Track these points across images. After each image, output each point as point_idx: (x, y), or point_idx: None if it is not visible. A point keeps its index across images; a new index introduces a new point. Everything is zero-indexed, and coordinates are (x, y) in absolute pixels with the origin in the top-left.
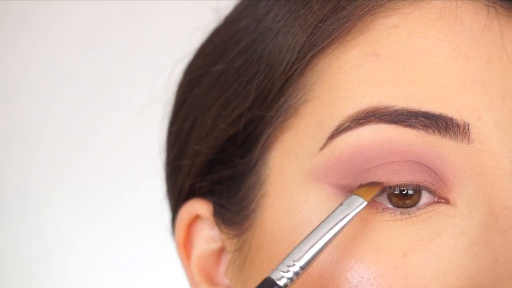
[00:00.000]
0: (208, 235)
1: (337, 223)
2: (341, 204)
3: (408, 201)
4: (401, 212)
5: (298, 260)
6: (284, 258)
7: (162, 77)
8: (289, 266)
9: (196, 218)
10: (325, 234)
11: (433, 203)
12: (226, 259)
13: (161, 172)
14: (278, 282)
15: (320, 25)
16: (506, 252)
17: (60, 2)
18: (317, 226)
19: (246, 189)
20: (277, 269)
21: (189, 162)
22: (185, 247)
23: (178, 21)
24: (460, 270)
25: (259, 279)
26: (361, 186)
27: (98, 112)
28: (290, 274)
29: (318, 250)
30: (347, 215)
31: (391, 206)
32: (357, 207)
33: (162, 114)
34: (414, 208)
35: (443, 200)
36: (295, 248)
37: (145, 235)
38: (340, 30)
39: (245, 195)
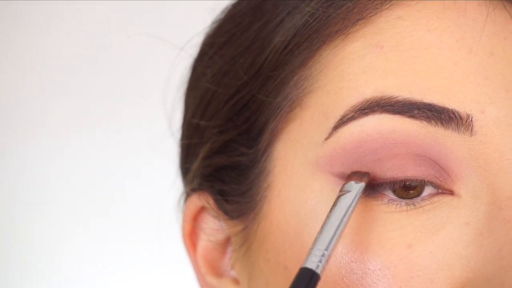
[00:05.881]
0: (214, 226)
1: (348, 208)
2: (341, 191)
3: (412, 192)
4: (406, 203)
5: (326, 248)
6: (312, 248)
7: (167, 78)
8: (321, 255)
9: (202, 209)
10: (342, 219)
11: (437, 194)
12: (231, 250)
13: (159, 170)
14: (316, 270)
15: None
16: (510, 241)
17: (61, 2)
18: (330, 213)
19: (252, 180)
20: (309, 259)
21: (198, 144)
22: (191, 238)
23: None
24: (465, 260)
25: (265, 270)
26: (351, 174)
27: (99, 110)
28: (322, 262)
29: (339, 236)
30: (354, 198)
31: (396, 198)
32: (359, 190)
33: (162, 113)
34: (418, 199)
35: (447, 192)
36: (319, 236)
37: (146, 234)
38: (345, 22)
39: (250, 186)
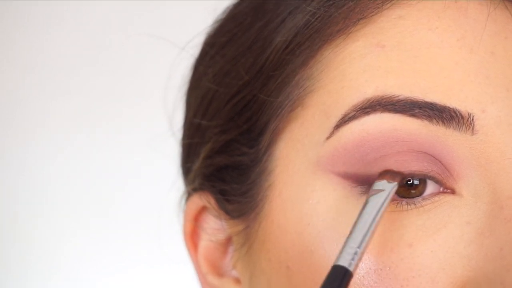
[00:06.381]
0: (215, 226)
1: (380, 207)
2: (373, 190)
3: (413, 191)
4: (407, 203)
5: (359, 246)
6: (344, 246)
7: (167, 77)
8: (354, 253)
9: (203, 209)
10: (375, 217)
11: (439, 193)
12: (232, 249)
13: (159, 170)
14: (349, 268)
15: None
16: (511, 241)
17: (61, 2)
18: (363, 211)
19: (253, 179)
20: (341, 256)
21: (199, 144)
22: (192, 238)
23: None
24: (467, 260)
25: (266, 269)
26: (381, 173)
27: (99, 110)
28: (355, 260)
29: (371, 235)
30: (386, 197)
31: (396, 197)
32: (392, 189)
33: (162, 113)
34: (419, 198)
35: (448, 190)
36: (352, 234)
37: (146, 234)
38: (346, 22)
39: (251, 185)
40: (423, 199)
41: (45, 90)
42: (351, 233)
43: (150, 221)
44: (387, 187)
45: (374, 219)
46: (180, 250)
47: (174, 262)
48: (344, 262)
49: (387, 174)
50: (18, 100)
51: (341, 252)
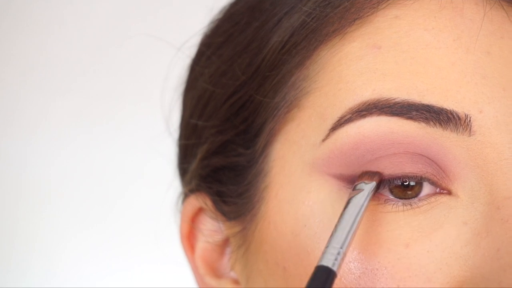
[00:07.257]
0: (212, 228)
1: (361, 207)
2: (353, 191)
3: (409, 192)
4: (403, 204)
5: (342, 246)
6: (327, 246)
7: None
8: (337, 253)
9: (200, 210)
10: (356, 217)
11: (435, 194)
12: (230, 251)
13: (157, 171)
14: (332, 268)
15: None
16: (508, 241)
17: (61, 2)
18: (344, 212)
19: (249, 180)
20: (324, 257)
21: (196, 144)
22: (189, 240)
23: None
24: (463, 260)
25: (263, 271)
26: (360, 175)
27: (97, 110)
28: (338, 260)
29: (353, 235)
30: (366, 197)
31: (393, 198)
32: (371, 188)
33: (160, 113)
34: (416, 199)
35: (444, 191)
36: (334, 234)
37: (145, 234)
38: (342, 22)
39: (248, 187)
40: (419, 200)
41: (45, 90)
42: (333, 233)
43: (148, 222)
44: (366, 188)
45: (355, 219)
46: (178, 251)
47: (172, 263)
48: (327, 262)
49: (365, 175)
50: (18, 100)
51: (324, 252)
